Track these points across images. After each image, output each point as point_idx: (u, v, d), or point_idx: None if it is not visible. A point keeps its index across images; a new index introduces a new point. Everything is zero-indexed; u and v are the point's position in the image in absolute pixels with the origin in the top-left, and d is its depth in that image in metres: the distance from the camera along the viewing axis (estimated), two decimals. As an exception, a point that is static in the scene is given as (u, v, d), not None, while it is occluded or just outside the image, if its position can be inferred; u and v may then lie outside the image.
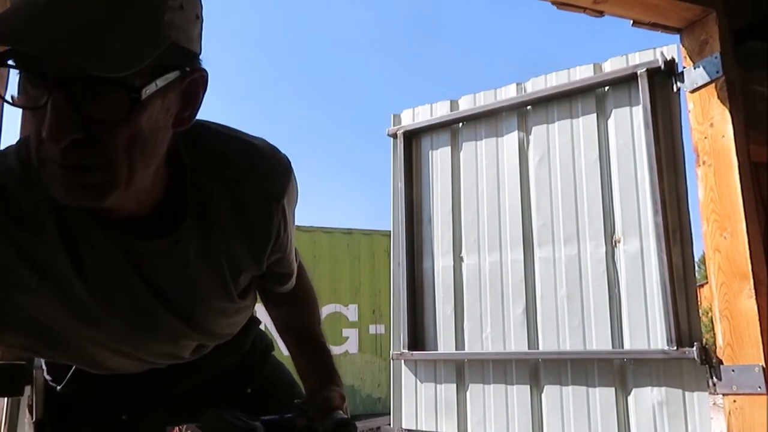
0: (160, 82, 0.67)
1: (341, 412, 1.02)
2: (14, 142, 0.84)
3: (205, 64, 0.77)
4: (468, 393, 3.25)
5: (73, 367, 1.06)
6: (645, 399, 2.76)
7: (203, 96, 0.76)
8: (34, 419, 1.09)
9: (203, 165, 0.86)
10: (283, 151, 0.98)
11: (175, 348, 1.01)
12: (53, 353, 0.97)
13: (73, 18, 0.59)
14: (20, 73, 0.65)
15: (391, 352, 3.54)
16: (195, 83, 0.74)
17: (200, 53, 0.75)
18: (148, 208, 0.82)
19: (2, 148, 0.86)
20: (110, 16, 0.61)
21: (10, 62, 0.62)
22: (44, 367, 1.12)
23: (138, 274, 0.85)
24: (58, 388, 1.09)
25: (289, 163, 0.98)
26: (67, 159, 0.65)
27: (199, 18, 0.73)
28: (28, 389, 1.13)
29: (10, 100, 0.65)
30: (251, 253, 0.95)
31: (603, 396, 2.86)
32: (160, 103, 0.69)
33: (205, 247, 0.88)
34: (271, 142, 0.97)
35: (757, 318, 2.22)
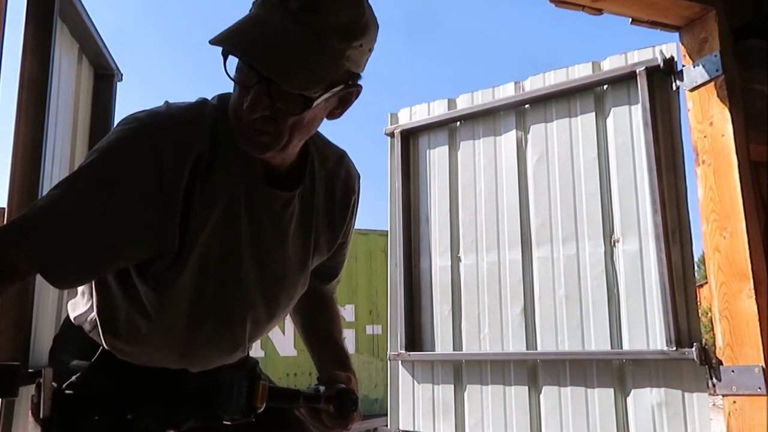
0: (328, 94, 0.99)
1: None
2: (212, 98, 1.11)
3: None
4: (466, 394, 3.23)
5: (94, 359, 1.14)
6: (644, 400, 2.74)
7: (354, 101, 1.06)
8: (41, 416, 1.10)
9: (316, 154, 1.18)
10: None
11: (234, 327, 1.15)
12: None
13: (286, 47, 0.92)
14: (241, 62, 0.96)
15: (388, 352, 3.52)
16: (351, 92, 1.04)
17: (362, 71, 1.03)
18: (284, 168, 1.12)
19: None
20: (309, 51, 0.92)
21: (241, 57, 0.95)
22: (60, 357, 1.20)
23: (248, 215, 1.08)
24: (74, 378, 1.13)
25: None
26: (254, 124, 0.98)
27: (371, 50, 1.01)
28: (32, 389, 1.13)
29: (232, 77, 0.98)
30: (329, 234, 1.22)
31: (602, 397, 2.84)
32: (324, 104, 1.00)
33: (305, 212, 1.16)
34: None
35: (757, 318, 2.20)
